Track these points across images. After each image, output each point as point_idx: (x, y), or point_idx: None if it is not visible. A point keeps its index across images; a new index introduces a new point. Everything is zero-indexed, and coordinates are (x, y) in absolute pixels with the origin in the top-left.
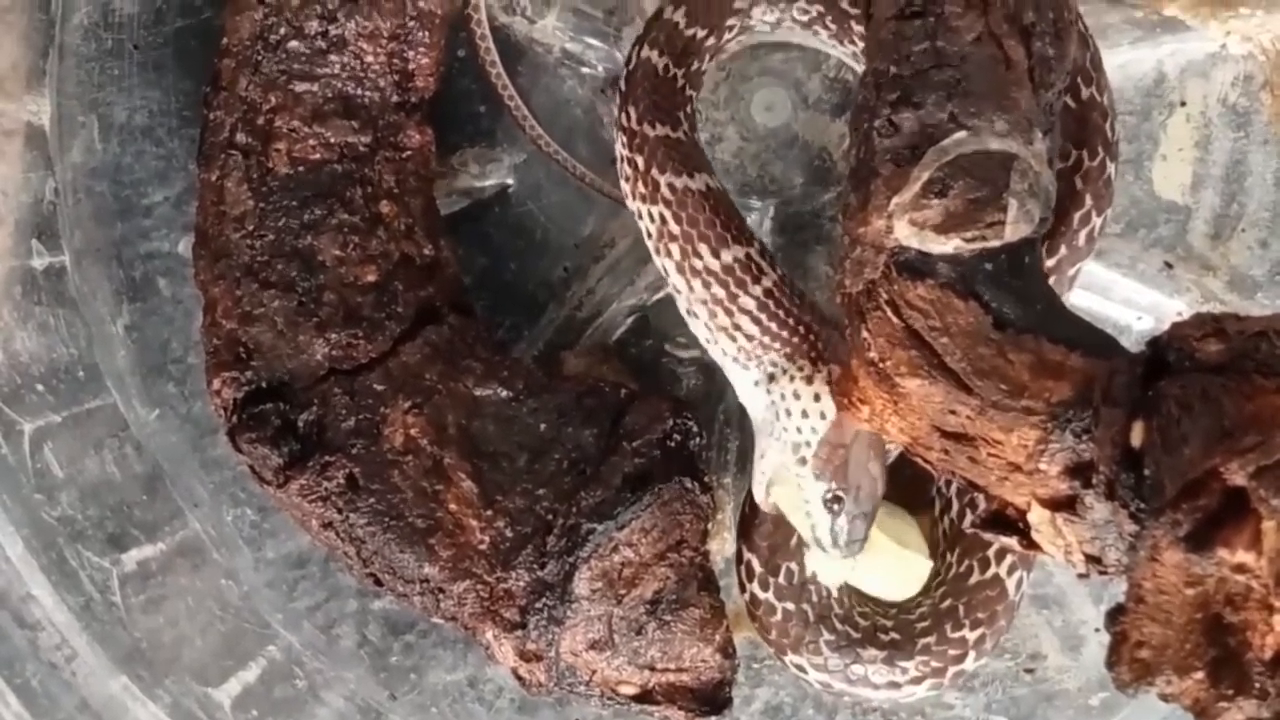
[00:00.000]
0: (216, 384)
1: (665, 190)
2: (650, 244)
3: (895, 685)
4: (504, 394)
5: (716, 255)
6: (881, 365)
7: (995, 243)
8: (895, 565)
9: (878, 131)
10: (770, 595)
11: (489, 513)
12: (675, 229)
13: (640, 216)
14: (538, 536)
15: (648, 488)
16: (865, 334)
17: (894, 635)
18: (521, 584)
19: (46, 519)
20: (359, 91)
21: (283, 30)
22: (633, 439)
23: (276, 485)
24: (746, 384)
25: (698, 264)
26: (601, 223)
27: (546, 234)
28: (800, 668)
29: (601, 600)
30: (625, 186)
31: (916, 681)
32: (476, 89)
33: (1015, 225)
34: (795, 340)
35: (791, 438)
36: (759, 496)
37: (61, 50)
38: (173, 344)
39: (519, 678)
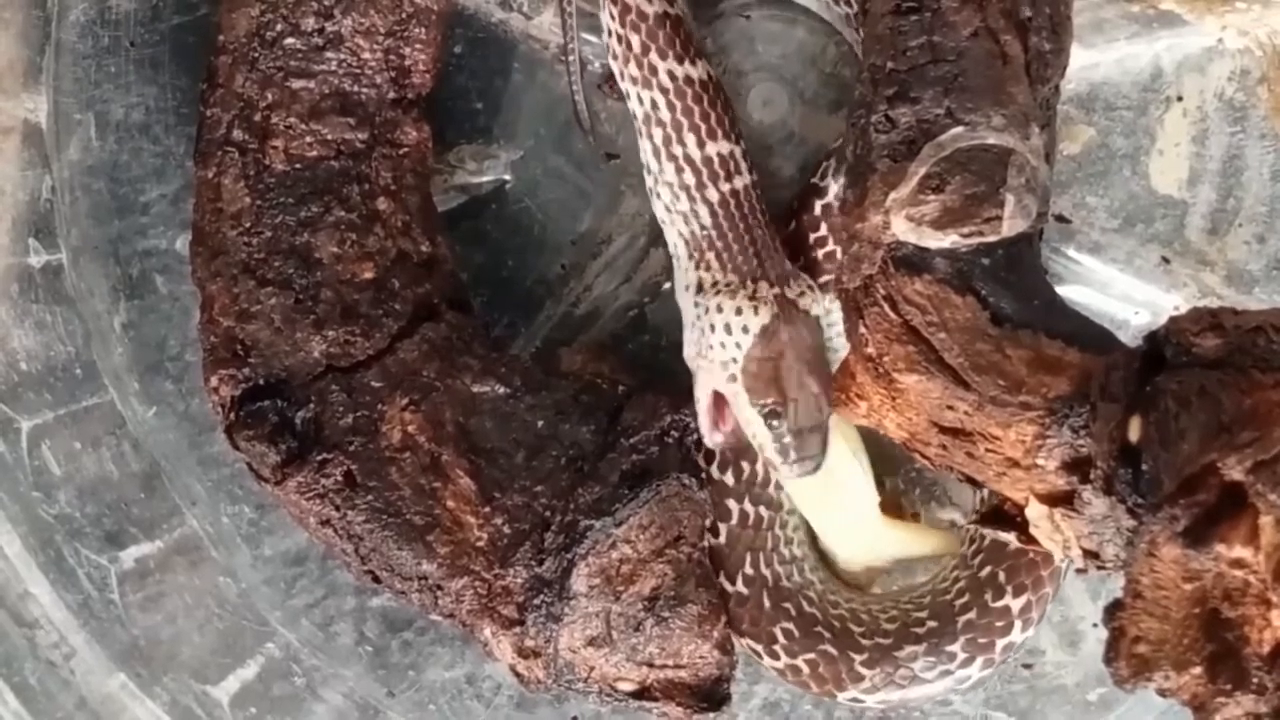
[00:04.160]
0: (214, 381)
1: (664, 77)
2: (635, 122)
3: (947, 672)
4: (501, 391)
5: (701, 146)
6: (879, 361)
7: (992, 238)
8: (845, 499)
9: (874, 127)
10: (791, 660)
11: (487, 509)
12: (666, 116)
13: (628, 96)
14: (536, 533)
15: (646, 484)
16: (862, 329)
17: (931, 622)
18: (519, 581)
19: (44, 517)
20: (356, 88)
21: (279, 27)
22: (630, 435)
23: (274, 482)
24: (681, 285)
25: (678, 150)
26: (599, 219)
27: (544, 230)
28: (856, 700)
29: (600, 597)
30: (615, 65)
31: (967, 663)
32: (473, 85)
33: (1013, 220)
34: (736, 248)
35: (719, 355)
36: (704, 430)
37: (58, 47)
38: (170, 341)
39: (517, 674)
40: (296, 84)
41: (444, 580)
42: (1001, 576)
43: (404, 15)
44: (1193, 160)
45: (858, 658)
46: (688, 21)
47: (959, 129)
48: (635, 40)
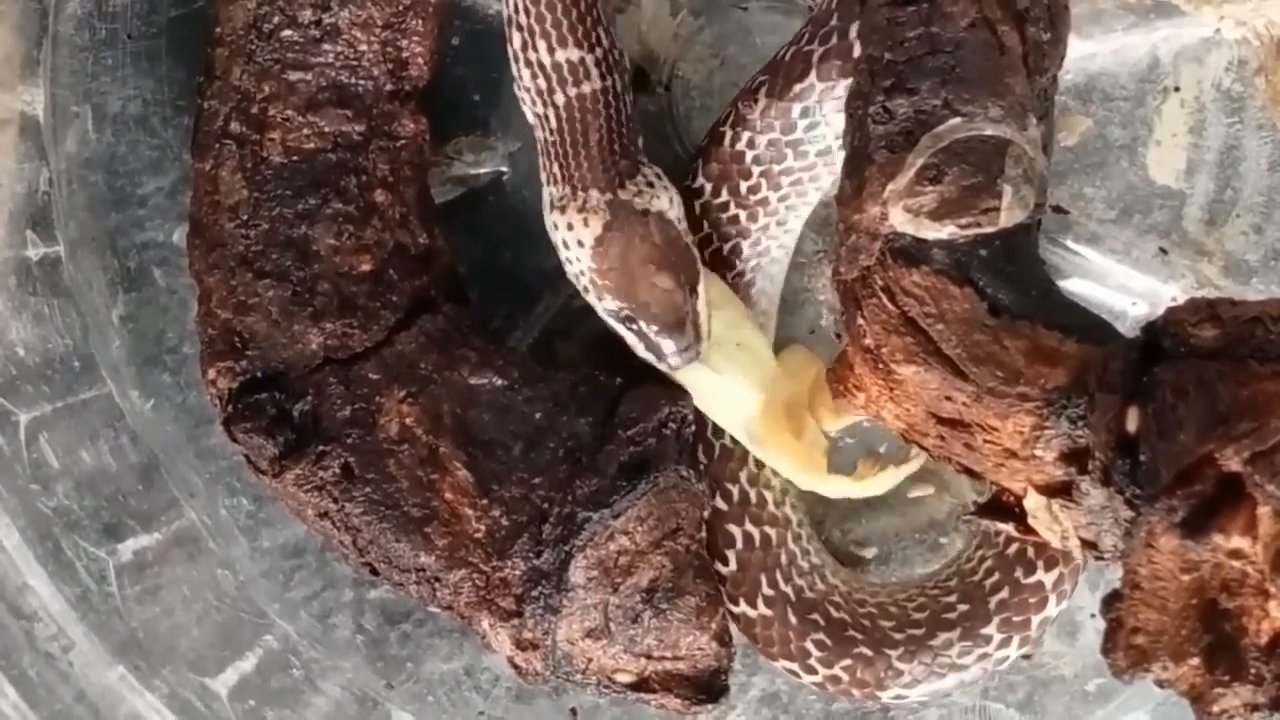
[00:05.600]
0: (212, 374)
1: None
2: (505, 24)
3: (985, 656)
4: (499, 383)
5: (551, 53)
6: (877, 352)
7: (990, 229)
8: (728, 388)
9: (872, 118)
10: (829, 671)
11: (484, 501)
12: (523, 20)
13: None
14: (533, 525)
15: (643, 476)
16: (861, 321)
17: (962, 606)
18: (517, 573)
19: (42, 509)
20: (353, 80)
21: (276, 19)
22: (628, 427)
23: (272, 475)
24: (544, 205)
25: (532, 56)
26: None
27: (541, 222)
28: (899, 697)
29: (598, 589)
30: None
31: (1004, 644)
32: (471, 77)
33: (1010, 211)
34: (570, 155)
35: (571, 268)
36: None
37: (55, 40)
38: (168, 334)
39: (515, 666)
40: (293, 76)
41: (442, 572)
42: (1031, 551)
43: (401, 7)
44: (1190, 151)
45: (893, 654)
46: None
47: (956, 120)
48: None
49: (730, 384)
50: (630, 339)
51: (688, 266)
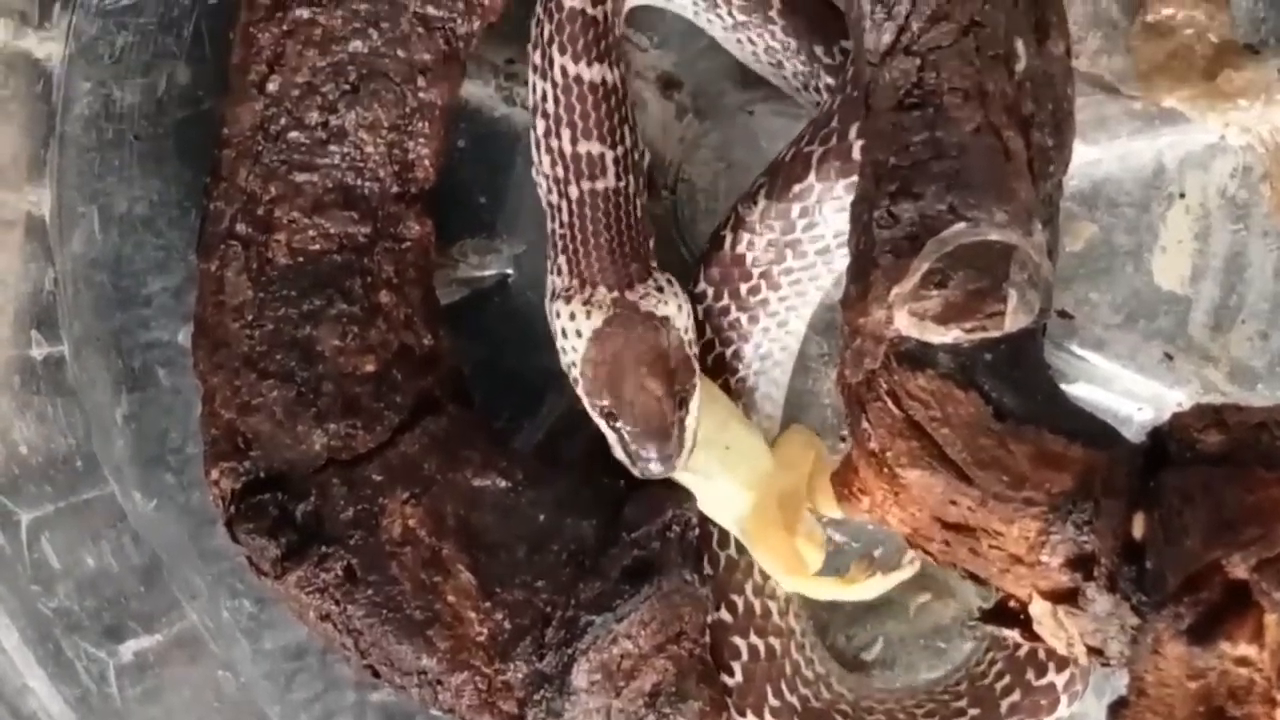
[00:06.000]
0: (215, 474)
1: (557, 72)
2: (530, 109)
3: None
4: (503, 485)
5: (574, 143)
6: (882, 456)
7: (995, 333)
8: (717, 490)
9: (877, 222)
10: None
11: (487, 604)
12: (550, 109)
13: (528, 81)
14: (536, 628)
15: (647, 580)
16: (865, 424)
17: (974, 710)
18: (520, 676)
19: (43, 610)
20: (359, 182)
21: (283, 121)
22: (632, 530)
23: (274, 576)
24: (547, 293)
25: (554, 143)
26: None
27: (546, 325)
28: None
29: (600, 692)
30: (530, 48)
31: None
32: (477, 179)
33: (1015, 316)
34: (581, 251)
35: (565, 358)
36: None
37: (62, 140)
38: (171, 434)
39: None
40: (300, 178)
41: (444, 675)
42: (1042, 653)
43: (408, 110)
44: (1195, 257)
45: None
46: (606, 23)
47: (962, 225)
48: (546, 29)
49: (721, 485)
50: (610, 437)
51: (684, 378)
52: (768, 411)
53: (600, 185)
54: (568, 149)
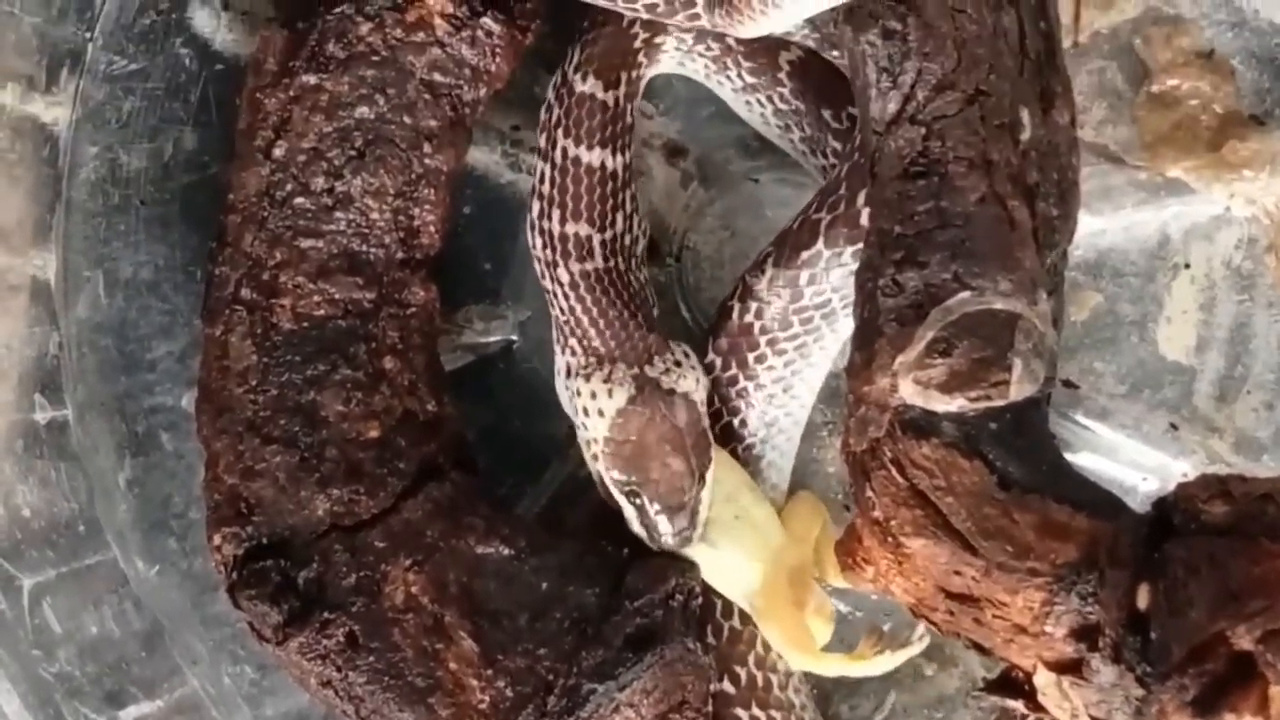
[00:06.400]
0: (217, 539)
1: (558, 154)
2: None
3: None
4: (506, 552)
5: (562, 223)
6: (886, 524)
7: (1000, 402)
8: (730, 566)
9: (882, 291)
10: None
11: (489, 672)
12: (545, 189)
13: (534, 165)
14: (538, 696)
15: (650, 648)
16: (870, 493)
17: None
18: None
19: (44, 675)
20: (364, 248)
21: (289, 186)
22: (635, 599)
23: (276, 643)
24: (558, 371)
25: (545, 224)
26: None
27: (550, 391)
28: None
29: None
30: (538, 132)
31: None
32: (482, 245)
33: (1020, 385)
34: (592, 331)
35: (583, 434)
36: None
37: (68, 205)
38: (174, 499)
39: None
40: (305, 243)
41: None
42: None
43: (413, 176)
44: (1200, 327)
45: None
46: (617, 108)
47: (966, 294)
48: (555, 113)
49: (727, 555)
50: (628, 512)
51: (701, 452)
52: (774, 480)
53: (589, 266)
54: (555, 229)
